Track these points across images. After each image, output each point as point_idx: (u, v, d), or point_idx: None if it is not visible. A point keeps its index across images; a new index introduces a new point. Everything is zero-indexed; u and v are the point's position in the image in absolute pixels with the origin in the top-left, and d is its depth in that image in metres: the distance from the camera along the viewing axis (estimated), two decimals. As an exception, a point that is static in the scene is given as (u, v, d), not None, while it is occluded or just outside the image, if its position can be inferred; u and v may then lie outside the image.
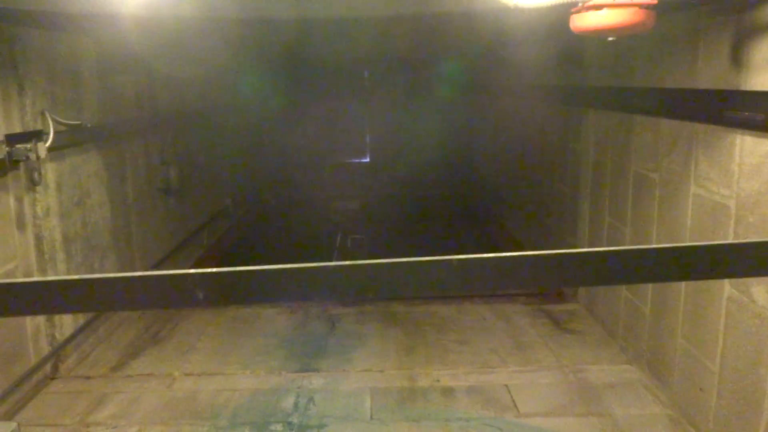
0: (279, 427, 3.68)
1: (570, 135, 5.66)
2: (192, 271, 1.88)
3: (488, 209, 9.48)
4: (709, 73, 3.35)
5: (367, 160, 12.33)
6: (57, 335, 4.30)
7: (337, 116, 11.63)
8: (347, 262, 1.88)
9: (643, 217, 4.17)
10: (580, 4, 2.64)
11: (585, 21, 2.65)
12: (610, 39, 2.74)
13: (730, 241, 3.15)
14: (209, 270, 1.88)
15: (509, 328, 4.98)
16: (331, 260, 6.80)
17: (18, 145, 3.61)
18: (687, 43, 3.52)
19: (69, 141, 4.37)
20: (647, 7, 2.60)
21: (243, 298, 1.99)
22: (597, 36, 2.73)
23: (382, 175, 11.61)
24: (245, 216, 9.19)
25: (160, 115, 6.13)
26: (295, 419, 3.75)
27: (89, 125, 4.57)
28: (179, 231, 6.60)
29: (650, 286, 4.11)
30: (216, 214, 8.00)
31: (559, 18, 2.78)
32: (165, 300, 1.98)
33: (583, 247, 5.26)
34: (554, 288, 5.49)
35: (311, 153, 11.57)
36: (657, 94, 3.87)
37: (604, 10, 2.59)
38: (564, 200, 5.90)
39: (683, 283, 3.67)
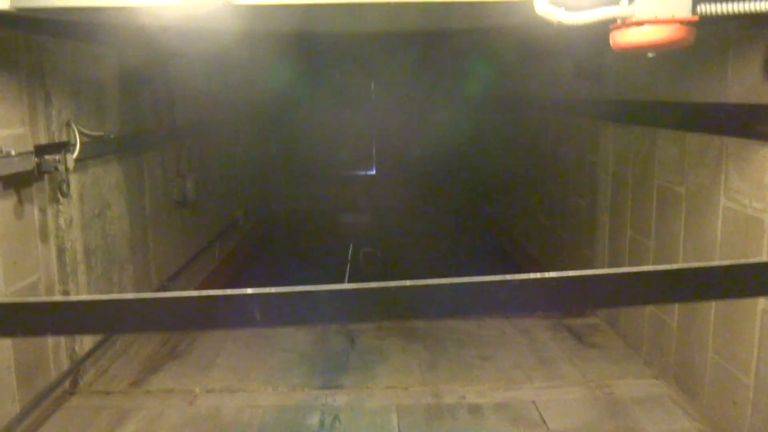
0: (306, 444, 3.64)
1: (587, 147, 5.65)
2: (250, 291, 1.86)
3: (499, 221, 9.46)
4: (739, 86, 3.35)
5: (374, 172, 12.33)
6: (77, 349, 4.26)
7: (344, 128, 11.62)
8: (405, 283, 1.86)
9: (668, 231, 4.15)
10: (619, 21, 2.64)
11: (626, 37, 2.64)
12: (650, 55, 2.73)
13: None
14: (267, 290, 1.86)
15: (531, 343, 4.95)
16: (344, 275, 6.77)
17: (47, 156, 3.59)
18: (716, 55, 3.51)
19: (92, 152, 4.35)
20: (688, 23, 2.60)
21: (301, 319, 1.96)
22: (637, 52, 2.72)
23: (390, 186, 11.59)
24: (256, 228, 9.17)
25: (176, 127, 6.11)
26: (322, 436, 3.72)
27: (111, 136, 4.55)
28: (193, 243, 6.58)
29: (676, 300, 4.09)
30: (228, 226, 7.97)
31: (583, 31, 2.77)
32: (222, 321, 1.95)
33: (603, 259, 5.28)
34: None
35: (319, 165, 11.56)
36: (684, 108, 3.87)
37: (646, 26, 2.59)
38: (580, 213, 5.89)
39: (712, 298, 3.65)
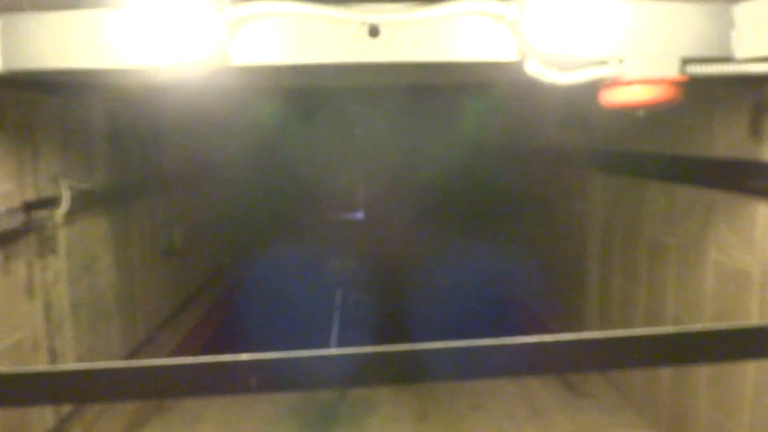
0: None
1: (576, 196, 5.70)
2: (245, 357, 1.84)
3: (490, 269, 9.45)
4: (726, 141, 3.41)
5: (362, 216, 12.34)
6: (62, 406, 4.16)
7: (331, 172, 11.64)
8: (400, 347, 1.84)
9: (659, 281, 4.17)
10: (610, 81, 2.69)
11: (616, 97, 2.69)
12: (641, 113, 2.77)
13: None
14: (263, 356, 1.84)
15: (523, 392, 4.91)
16: (332, 322, 6.68)
17: (35, 213, 3.56)
18: (703, 110, 3.57)
19: (80, 206, 4.32)
20: (677, 83, 2.65)
21: (297, 385, 1.93)
22: (627, 110, 2.76)
23: (377, 232, 11.58)
24: (243, 274, 9.10)
25: (164, 176, 6.11)
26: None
27: (99, 189, 4.53)
28: (180, 291, 6.51)
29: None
30: (216, 273, 7.91)
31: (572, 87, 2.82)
32: (217, 388, 1.92)
33: (593, 307, 5.28)
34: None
35: (307, 210, 11.55)
36: (671, 160, 3.92)
37: (635, 87, 2.64)
38: (569, 260, 5.91)
39: (704, 349, 3.64)
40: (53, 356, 4.06)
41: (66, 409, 4.17)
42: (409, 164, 11.38)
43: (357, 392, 4.99)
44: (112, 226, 4.89)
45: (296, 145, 10.91)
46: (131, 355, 5.19)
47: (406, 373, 1.88)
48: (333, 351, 1.78)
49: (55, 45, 2.51)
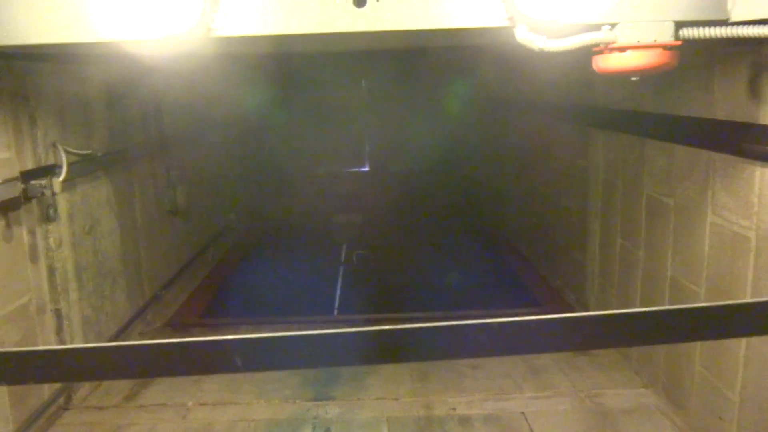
0: (298, 461, 3.67)
1: (577, 152, 5.65)
2: (230, 337, 1.87)
3: (491, 221, 9.47)
4: (725, 103, 3.35)
5: (367, 168, 12.30)
6: (70, 366, 4.27)
7: (335, 126, 11.55)
8: (388, 327, 1.86)
9: (657, 242, 4.16)
10: (602, 46, 2.63)
11: (609, 63, 2.64)
12: (634, 79, 2.73)
13: None
14: (247, 336, 1.87)
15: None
16: (337, 278, 6.75)
17: (33, 182, 3.59)
18: (702, 71, 3.51)
19: (80, 171, 4.35)
20: (671, 48, 2.60)
21: (284, 364, 1.97)
22: (620, 76, 2.72)
23: (382, 184, 11.55)
24: (248, 231, 9.17)
25: (165, 137, 6.10)
26: (313, 452, 3.75)
27: (99, 154, 4.54)
28: (185, 251, 6.59)
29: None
30: (220, 231, 7.98)
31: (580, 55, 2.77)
32: (202, 366, 1.97)
33: (593, 265, 5.30)
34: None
35: (311, 163, 11.51)
36: (672, 121, 3.87)
37: (628, 52, 2.59)
38: (571, 216, 5.90)
39: (700, 310, 3.67)
40: (59, 319, 4.16)
41: (73, 369, 4.28)
42: (413, 118, 11.27)
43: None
44: (114, 189, 4.92)
45: (300, 102, 10.82)
46: (137, 314, 5.29)
47: (396, 352, 1.91)
48: (316, 331, 1.81)
49: (35, 20, 2.49)
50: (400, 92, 11.40)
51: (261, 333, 5.00)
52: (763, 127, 3.03)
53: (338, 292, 6.93)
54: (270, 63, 8.30)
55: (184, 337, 5.05)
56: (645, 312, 1.93)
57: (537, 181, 7.10)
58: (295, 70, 9.78)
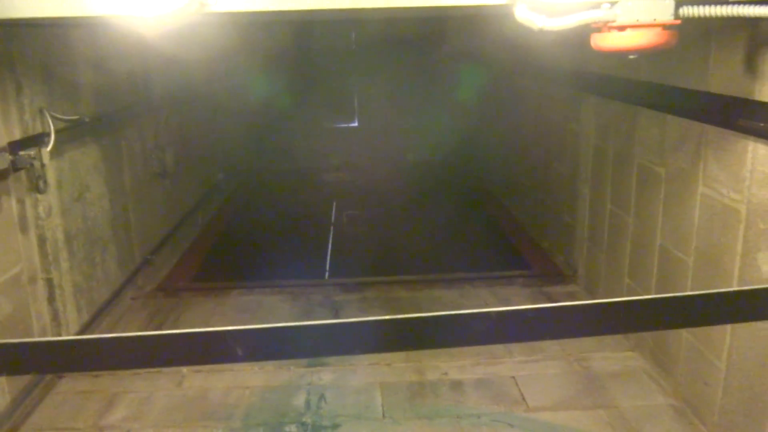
0: (293, 428, 3.73)
1: (570, 116, 5.64)
2: (231, 328, 1.88)
3: (484, 184, 9.48)
4: (720, 77, 3.34)
5: (356, 124, 12.19)
6: (63, 334, 4.29)
7: (325, 83, 11.38)
8: (379, 318, 1.89)
9: (647, 210, 4.20)
10: (601, 24, 2.60)
11: (607, 41, 2.62)
12: (632, 57, 2.71)
13: None
14: (248, 327, 1.88)
15: (511, 314, 5.04)
16: (328, 240, 6.73)
17: (21, 152, 3.54)
18: (698, 43, 3.48)
19: (68, 137, 4.29)
20: (670, 27, 2.57)
21: (284, 353, 2.00)
22: (618, 54, 2.70)
23: (372, 141, 11.47)
24: (238, 190, 9.13)
25: (153, 98, 6.01)
26: (308, 419, 3.81)
27: (87, 119, 4.47)
28: (175, 212, 6.56)
29: (654, 275, 4.17)
30: (209, 190, 7.94)
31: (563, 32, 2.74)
32: (204, 357, 1.98)
33: (582, 229, 5.35)
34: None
35: (300, 119, 11.38)
36: (665, 91, 3.85)
37: (627, 31, 2.56)
38: (562, 181, 5.92)
39: (689, 278, 3.73)
40: (51, 288, 4.16)
41: (67, 336, 4.30)
42: (402, 74, 11.14)
43: (351, 315, 5.13)
44: (102, 154, 4.86)
45: (290, 60, 10.63)
46: (129, 280, 5.29)
47: (396, 341, 1.94)
48: (315, 322, 1.83)
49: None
50: (391, 50, 11.21)
51: (252, 296, 5.03)
52: (758, 102, 3.03)
53: (329, 254, 6.96)
54: (263, 27, 8.14)
55: (176, 300, 5.09)
56: (640, 300, 1.96)
57: (529, 142, 7.09)
58: (288, 34, 9.60)
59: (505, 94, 8.23)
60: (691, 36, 3.50)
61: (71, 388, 4.17)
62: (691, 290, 3.70)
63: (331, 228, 7.78)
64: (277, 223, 7.79)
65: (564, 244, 5.93)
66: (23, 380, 3.83)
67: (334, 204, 8.70)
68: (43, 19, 2.50)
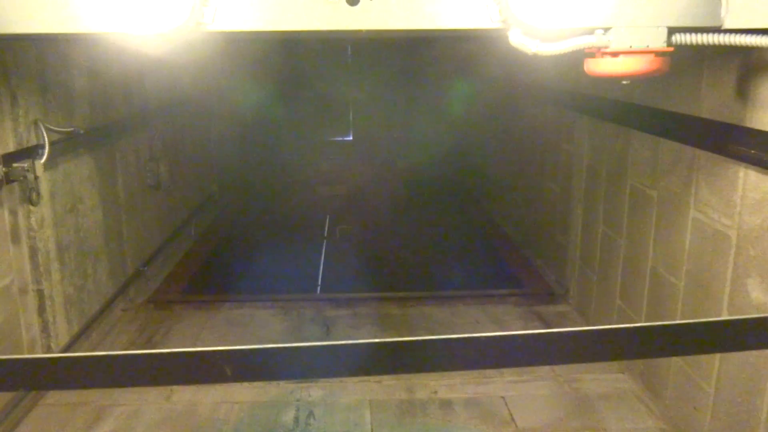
0: (282, 444, 3.72)
1: (563, 136, 5.67)
2: (221, 348, 1.88)
3: (478, 201, 9.50)
4: (712, 102, 3.37)
5: (350, 138, 12.21)
6: (53, 345, 4.27)
7: (320, 96, 11.40)
8: (371, 341, 1.89)
9: (639, 232, 4.22)
10: (595, 50, 2.63)
11: (600, 67, 2.64)
12: (625, 82, 2.73)
13: None
14: (237, 348, 1.88)
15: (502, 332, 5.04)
16: (320, 254, 6.70)
17: (15, 165, 3.54)
18: (691, 69, 3.52)
19: (62, 149, 4.29)
20: (663, 54, 2.60)
21: (273, 374, 1.99)
22: (611, 80, 2.72)
23: (367, 156, 11.49)
24: (232, 202, 9.12)
25: (148, 110, 6.02)
26: (297, 436, 3.80)
27: (82, 131, 4.47)
28: (168, 224, 6.55)
29: (645, 297, 4.18)
30: (203, 202, 7.94)
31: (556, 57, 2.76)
32: (193, 377, 1.98)
33: (574, 249, 5.37)
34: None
35: (296, 134, 11.39)
36: (658, 115, 3.89)
37: (620, 57, 2.59)
38: (554, 199, 5.95)
39: (680, 301, 3.74)
40: (41, 299, 4.14)
41: (55, 347, 4.28)
42: (399, 89, 11.20)
43: (341, 331, 5.14)
44: (96, 166, 4.86)
45: (285, 73, 10.66)
46: (120, 291, 5.27)
47: (385, 365, 1.94)
48: (306, 344, 1.83)
49: (21, 9, 2.42)
50: (387, 64, 11.27)
51: (243, 309, 5.02)
52: (749, 129, 3.06)
53: (321, 268, 6.95)
54: (258, 41, 8.16)
55: (167, 313, 5.07)
56: (629, 328, 1.97)
57: (524, 161, 7.12)
58: (283, 47, 9.63)
59: (500, 111, 8.28)
60: (684, 61, 3.53)
61: (59, 401, 4.14)
62: (682, 314, 3.72)
63: (324, 242, 7.77)
64: (270, 236, 7.78)
65: (556, 263, 5.94)
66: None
67: (328, 218, 8.69)
68: (39, 35, 2.51)
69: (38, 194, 3.75)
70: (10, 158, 3.59)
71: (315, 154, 11.44)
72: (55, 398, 4.17)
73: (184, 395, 4.23)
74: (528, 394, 4.24)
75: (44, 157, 3.81)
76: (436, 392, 4.26)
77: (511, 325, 5.19)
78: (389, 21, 2.52)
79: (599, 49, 2.61)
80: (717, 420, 3.36)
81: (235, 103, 9.96)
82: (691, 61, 3.49)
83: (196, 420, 3.98)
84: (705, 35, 2.58)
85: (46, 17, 2.46)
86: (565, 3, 2.49)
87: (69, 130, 4.31)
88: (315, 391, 4.27)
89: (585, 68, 2.74)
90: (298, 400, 4.17)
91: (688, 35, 2.59)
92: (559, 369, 4.51)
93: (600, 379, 4.39)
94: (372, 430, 3.86)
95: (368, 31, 2.57)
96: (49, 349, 4.24)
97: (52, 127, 4.10)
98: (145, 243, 5.87)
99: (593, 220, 4.98)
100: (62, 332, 4.37)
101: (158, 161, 6.01)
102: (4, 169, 3.49)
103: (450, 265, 6.97)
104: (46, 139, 3.92)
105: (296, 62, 10.68)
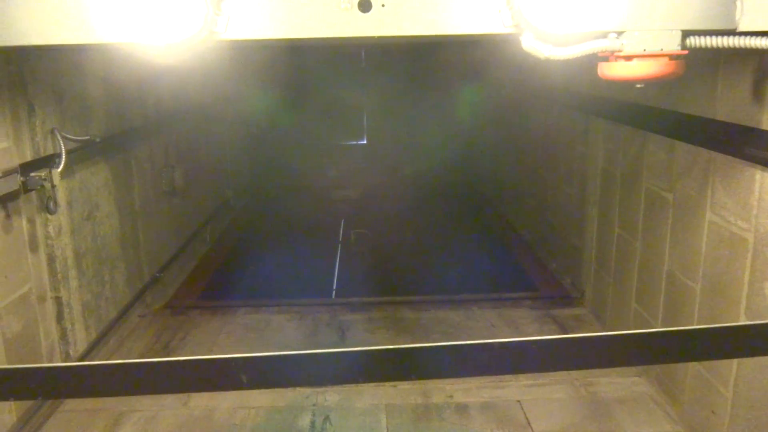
0: (298, 450, 3.73)
1: (578, 138, 5.65)
2: (236, 356, 1.89)
3: (493, 205, 9.48)
4: (727, 105, 3.34)
5: (365, 142, 12.24)
6: (71, 352, 4.31)
7: (335, 100, 11.44)
8: (385, 348, 1.89)
9: (655, 235, 4.19)
10: (608, 54, 2.62)
11: (614, 71, 2.63)
12: (639, 86, 2.72)
13: None
14: (253, 355, 1.89)
15: (518, 336, 5.03)
16: (335, 259, 6.73)
17: (32, 174, 3.58)
18: (705, 72, 3.49)
19: (79, 157, 4.33)
20: (677, 57, 2.58)
21: (288, 381, 2.00)
22: (625, 83, 2.71)
23: (381, 160, 11.50)
24: (247, 207, 9.17)
25: (163, 118, 6.07)
26: (313, 441, 3.81)
27: (98, 140, 4.52)
28: (183, 230, 6.60)
29: (661, 301, 4.16)
30: (218, 208, 7.98)
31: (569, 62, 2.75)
32: (209, 384, 1.99)
33: (590, 252, 5.34)
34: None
35: (310, 137, 11.43)
36: (674, 117, 3.86)
37: (634, 61, 2.57)
38: (569, 202, 5.92)
39: (696, 304, 3.71)
40: (59, 306, 4.18)
41: (75, 354, 4.32)
42: (413, 93, 11.20)
43: (357, 336, 5.14)
44: (112, 173, 4.91)
45: (298, 78, 10.70)
46: (137, 298, 5.32)
47: (400, 371, 1.94)
48: (320, 351, 1.84)
49: (37, 21, 2.46)
50: (400, 68, 11.27)
51: (258, 315, 5.04)
52: (765, 132, 3.03)
53: (336, 273, 6.97)
54: (271, 47, 8.21)
55: (183, 318, 5.11)
56: (645, 333, 1.96)
57: (538, 164, 7.10)
58: (296, 52, 9.69)
59: (513, 114, 8.26)
60: (699, 63, 3.51)
61: (78, 407, 4.18)
62: (699, 317, 3.69)
63: (339, 246, 7.79)
64: (285, 240, 7.81)
65: (572, 266, 5.92)
66: (30, 398, 3.84)
67: (342, 222, 8.71)
68: (54, 46, 2.54)
69: (56, 202, 3.79)
70: (27, 167, 3.64)
71: (329, 158, 11.48)
72: (74, 404, 4.20)
73: (201, 400, 4.25)
74: (544, 398, 4.22)
75: (61, 166, 3.85)
76: (451, 396, 4.26)
77: (527, 328, 5.17)
78: (402, 27, 2.53)
79: (612, 52, 2.59)
80: (735, 424, 3.33)
81: (249, 108, 10.02)
82: (706, 63, 3.47)
83: (213, 425, 4.00)
84: (720, 38, 2.56)
85: (61, 29, 2.50)
86: (577, 7, 2.48)
87: (85, 138, 4.36)
88: (331, 395, 4.28)
89: (598, 72, 2.73)
90: (314, 405, 4.18)
91: (702, 38, 2.57)
92: (576, 373, 4.48)
93: (616, 382, 4.36)
94: (388, 435, 3.87)
95: (381, 38, 2.58)
96: (67, 356, 4.28)
97: (68, 136, 4.14)
98: (161, 249, 5.91)
99: (608, 223, 4.95)
100: (80, 339, 4.41)
101: (173, 168, 6.06)
102: (21, 178, 3.53)
103: (465, 268, 6.97)
104: (62, 147, 3.97)
105: (310, 67, 10.72)
